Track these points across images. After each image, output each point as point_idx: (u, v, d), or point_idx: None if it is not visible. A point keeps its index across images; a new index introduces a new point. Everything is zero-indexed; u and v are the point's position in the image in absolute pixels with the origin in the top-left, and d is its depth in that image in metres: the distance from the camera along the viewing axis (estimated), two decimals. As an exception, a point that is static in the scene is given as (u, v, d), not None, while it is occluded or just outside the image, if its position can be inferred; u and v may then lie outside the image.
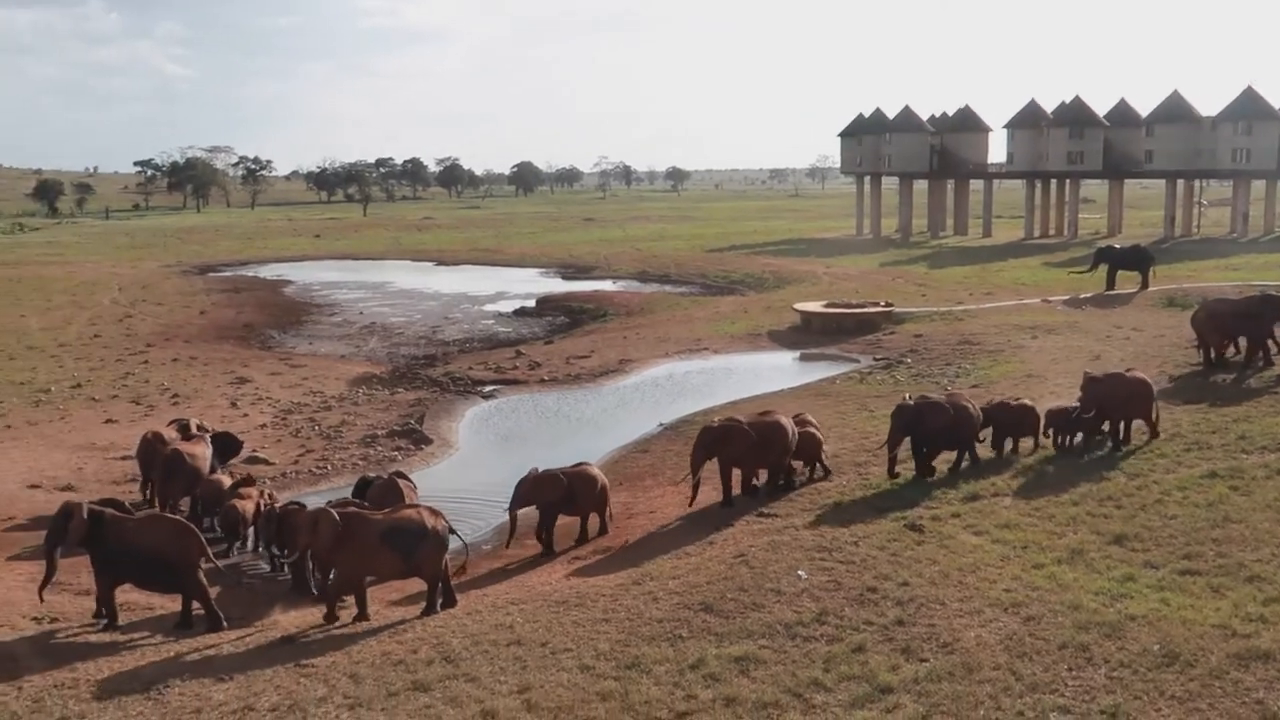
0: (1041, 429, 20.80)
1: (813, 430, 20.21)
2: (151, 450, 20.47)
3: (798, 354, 38.30)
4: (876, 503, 18.06)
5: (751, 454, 19.07)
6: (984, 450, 20.36)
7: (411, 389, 32.98)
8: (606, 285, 63.20)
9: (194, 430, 21.83)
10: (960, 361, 32.88)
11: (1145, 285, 45.75)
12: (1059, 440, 20.64)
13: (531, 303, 55.83)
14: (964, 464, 19.82)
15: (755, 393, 30.37)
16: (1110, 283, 46.17)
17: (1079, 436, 20.68)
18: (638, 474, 22.91)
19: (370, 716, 11.16)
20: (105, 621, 14.40)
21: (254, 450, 24.81)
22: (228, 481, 19.79)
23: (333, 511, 14.65)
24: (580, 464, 18.99)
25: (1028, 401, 21.42)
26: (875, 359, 35.08)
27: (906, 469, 19.63)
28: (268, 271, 76.11)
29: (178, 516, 15.48)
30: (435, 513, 15.02)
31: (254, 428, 27.59)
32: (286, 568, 16.57)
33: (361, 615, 14.42)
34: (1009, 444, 20.70)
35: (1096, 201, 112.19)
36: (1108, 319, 38.92)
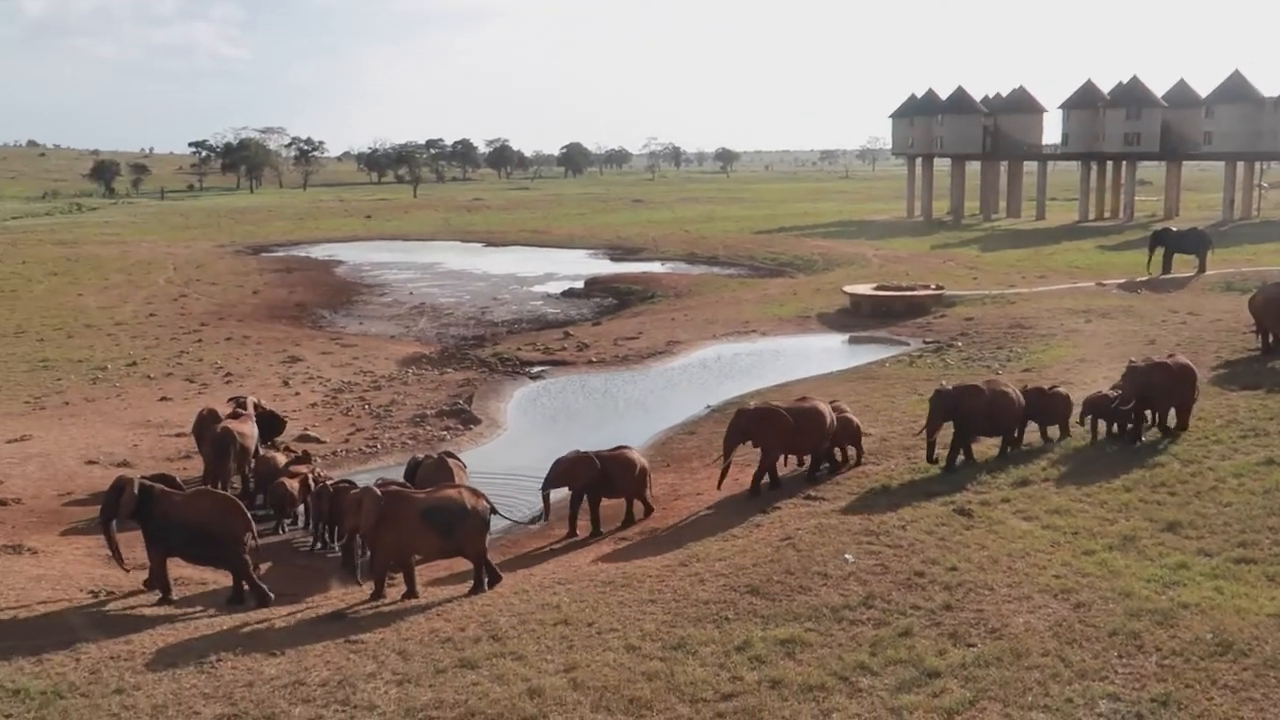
0: (1078, 417, 20.35)
1: (850, 416, 19.99)
2: (204, 426, 20.79)
3: (846, 337, 38.10)
4: (925, 487, 17.93)
5: (787, 439, 18.89)
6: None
7: (460, 369, 33.19)
8: (654, 267, 63.13)
9: (249, 408, 22.12)
10: (1011, 345, 32.54)
11: (1202, 269, 45.01)
12: (1096, 429, 20.13)
13: (580, 284, 55.90)
14: (1008, 450, 19.52)
15: (803, 375, 30.26)
16: (1166, 266, 45.45)
17: (1116, 426, 20.12)
18: (684, 455, 22.91)
19: (418, 693, 11.27)
20: (160, 595, 14.67)
21: (305, 428, 25.11)
22: (282, 459, 20.04)
23: (376, 490, 14.81)
24: (620, 447, 18.90)
25: (1062, 389, 21.02)
26: (925, 342, 34.81)
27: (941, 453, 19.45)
28: (319, 252, 76.80)
29: (225, 493, 15.67)
30: (477, 493, 15.13)
31: (305, 406, 27.92)
32: (336, 545, 16.78)
33: (410, 593, 14.57)
34: (1043, 432, 20.27)
35: (1153, 184, 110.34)
36: (1163, 303, 38.33)
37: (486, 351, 36.37)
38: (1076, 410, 20.47)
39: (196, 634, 13.14)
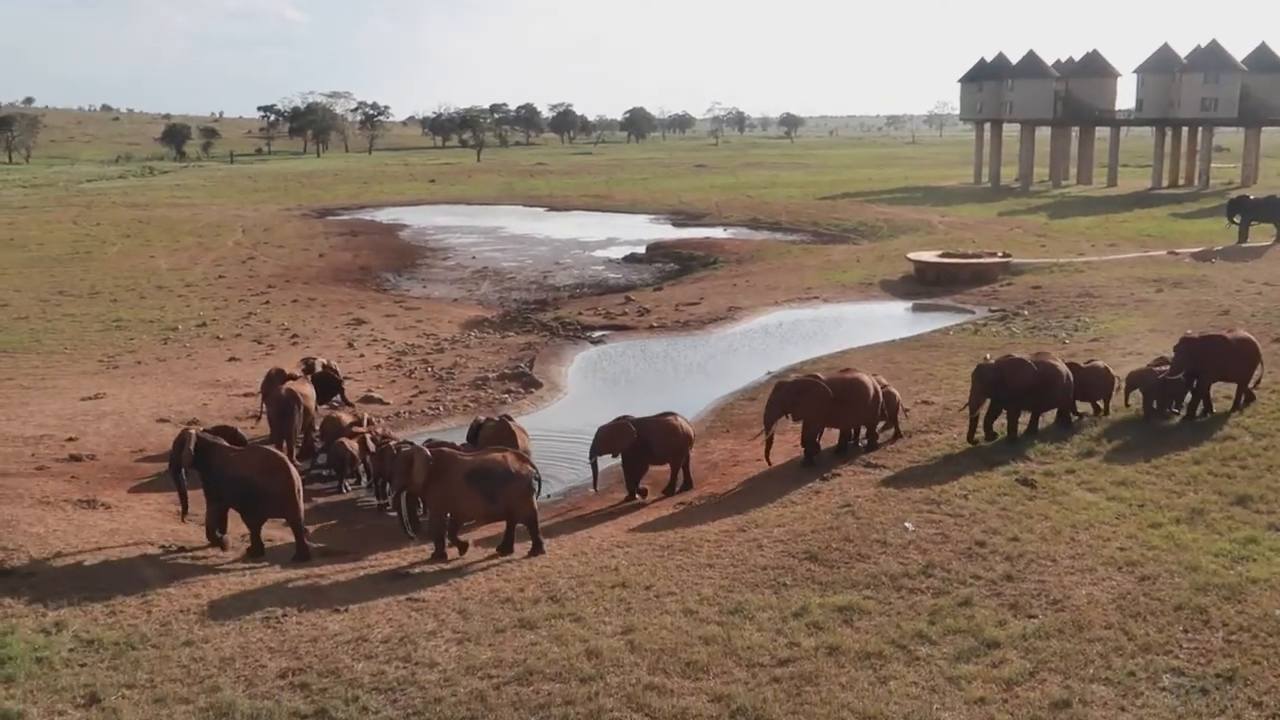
0: (1124, 392, 19.84)
1: (891, 390, 19.49)
2: (271, 387, 21.11)
3: (910, 304, 37.72)
4: (987, 456, 17.74)
5: (828, 412, 18.42)
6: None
7: (522, 333, 33.38)
8: (717, 232, 62.84)
9: (318, 369, 22.44)
10: (1080, 315, 32.02)
11: (1280, 238, 43.90)
12: (1146, 405, 19.44)
13: (641, 249, 55.83)
14: (1060, 425, 18.99)
15: (865, 343, 30.05)
16: (1243, 235, 44.39)
17: (1157, 402, 19.41)
18: (745, 421, 22.87)
19: (478, 651, 11.42)
20: (246, 550, 15.13)
21: (369, 390, 25.43)
22: (347, 419, 20.29)
23: (425, 450, 15.02)
24: (665, 414, 18.72)
25: (1100, 363, 20.41)
26: (990, 310, 34.36)
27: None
28: (384, 215, 77.41)
29: (275, 450, 15.95)
30: (521, 458, 15.23)
31: (369, 368, 28.26)
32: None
33: (438, 555, 14.80)
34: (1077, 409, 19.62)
35: (1230, 150, 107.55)
36: (1238, 273, 37.45)
37: (548, 316, 36.54)
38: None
39: (263, 590, 13.41)
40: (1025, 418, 18.92)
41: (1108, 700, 10.20)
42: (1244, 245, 43.54)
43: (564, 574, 13.68)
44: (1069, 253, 44.79)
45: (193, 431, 15.80)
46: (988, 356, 19.61)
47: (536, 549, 14.84)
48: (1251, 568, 12.84)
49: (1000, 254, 43.11)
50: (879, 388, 18.88)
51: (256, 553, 15.09)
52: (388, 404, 24.49)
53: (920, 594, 12.60)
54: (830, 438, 18.99)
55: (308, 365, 22.66)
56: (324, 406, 22.52)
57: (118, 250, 53.00)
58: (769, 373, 26.95)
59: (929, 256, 43.06)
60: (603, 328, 34.03)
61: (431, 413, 24.05)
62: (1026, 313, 33.14)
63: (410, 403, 24.85)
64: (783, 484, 17.52)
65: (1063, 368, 19.09)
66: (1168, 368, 19.63)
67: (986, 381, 18.62)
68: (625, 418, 18.36)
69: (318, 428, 20.93)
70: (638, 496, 18.19)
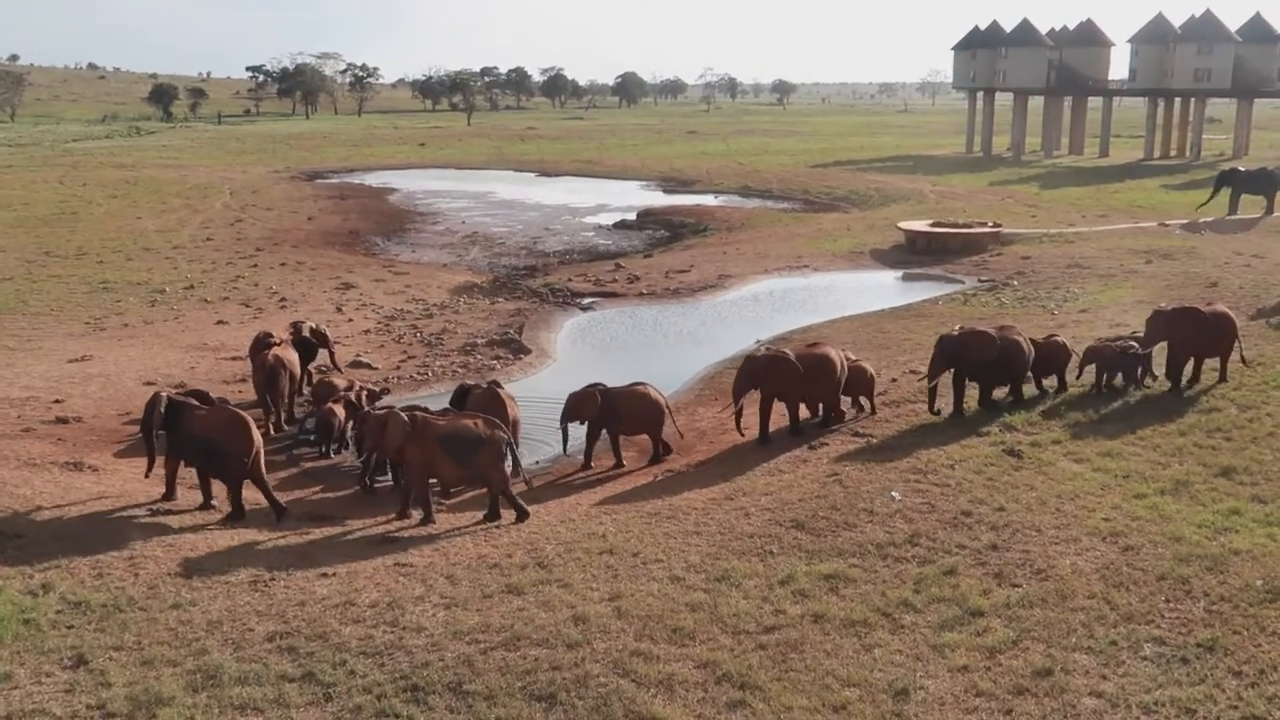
0: (1079, 366, 19.70)
1: (863, 366, 19.33)
2: (255, 350, 21.05)
3: (900, 274, 37.72)
4: (973, 426, 17.81)
5: (797, 387, 18.23)
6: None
7: (511, 299, 33.31)
8: (708, 199, 62.65)
9: (307, 333, 22.37)
10: (1069, 285, 32.08)
11: (1270, 210, 44.00)
12: (1098, 379, 19.29)
13: (632, 215, 55.65)
14: (1009, 400, 18.88)
15: (855, 311, 30.07)
16: (1233, 207, 44.44)
17: (1122, 376, 19.29)
18: (732, 389, 22.85)
19: (465, 616, 11.47)
20: (228, 513, 15.22)
21: (358, 355, 25.38)
22: (342, 383, 20.22)
23: (401, 414, 15.21)
24: (636, 383, 18.57)
25: (1058, 338, 20.13)
26: (980, 280, 34.40)
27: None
28: (373, 179, 76.99)
29: (237, 411, 15.87)
30: (494, 423, 15.26)
31: (358, 333, 28.20)
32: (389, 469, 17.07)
33: (402, 514, 15.09)
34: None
35: (1223, 122, 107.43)
36: (1228, 245, 37.52)
37: (537, 282, 36.45)
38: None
39: (251, 554, 13.44)
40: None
41: (1089, 669, 10.30)
42: (1234, 217, 43.58)
43: (551, 540, 13.73)
44: (1059, 223, 44.82)
45: (164, 393, 16.00)
46: (957, 329, 19.44)
47: (492, 515, 14.93)
48: (1234, 539, 12.95)
49: (991, 224, 43.10)
50: (845, 363, 18.67)
51: (237, 515, 15.12)
52: (376, 369, 24.45)
53: (906, 563, 12.69)
54: (781, 418, 18.84)
55: (296, 329, 22.59)
56: (315, 370, 22.53)
57: (104, 211, 52.64)
58: (759, 341, 26.94)
59: (919, 226, 43.01)
60: (592, 294, 33.97)
61: (420, 378, 24.02)
62: (1016, 283, 33.18)
63: (399, 368, 24.81)
64: (770, 452, 17.58)
65: (1025, 342, 18.97)
66: (1125, 342, 19.55)
67: (949, 353, 18.53)
68: (595, 385, 18.30)
69: (308, 392, 20.87)
70: (592, 465, 18.11)
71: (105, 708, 9.79)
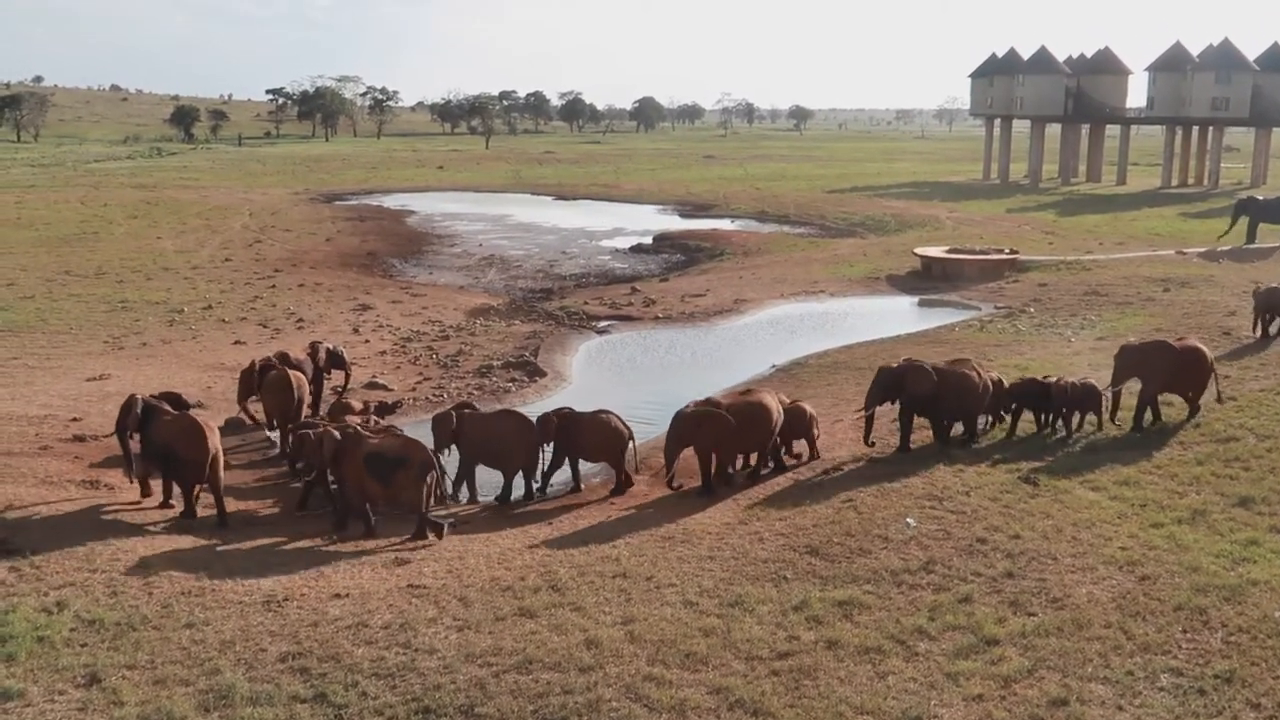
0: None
1: (803, 407, 18.45)
2: (265, 372, 21.04)
3: (916, 299, 37.70)
4: (989, 453, 17.76)
5: (731, 440, 17.15)
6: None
7: (527, 321, 33.37)
8: (724, 224, 62.73)
9: (322, 355, 22.43)
10: (1086, 313, 31.99)
11: (1288, 239, 43.78)
12: (1043, 419, 18.84)
13: (648, 239, 55.75)
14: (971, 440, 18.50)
15: (870, 337, 30.02)
16: (1251, 235, 44.28)
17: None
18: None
19: (477, 639, 11.45)
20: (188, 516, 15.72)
21: (374, 376, 25.45)
22: (358, 406, 20.21)
23: (334, 431, 15.76)
24: (599, 411, 18.22)
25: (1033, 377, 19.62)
26: (996, 307, 34.32)
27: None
28: (391, 201, 77.34)
29: (198, 420, 16.35)
30: (420, 446, 15.46)
31: (374, 354, 28.28)
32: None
33: (339, 526, 15.49)
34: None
35: (1241, 150, 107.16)
36: (1246, 273, 37.36)
37: (554, 305, 36.52)
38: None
39: (265, 574, 13.45)
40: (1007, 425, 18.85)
41: (1106, 699, 10.22)
42: (1252, 246, 43.43)
43: (565, 563, 13.71)
44: (1076, 250, 44.71)
45: (139, 397, 16.82)
46: (910, 360, 18.94)
47: (417, 535, 15.07)
48: (1252, 569, 12.85)
49: (1007, 250, 43.06)
50: (781, 408, 17.78)
51: (187, 515, 15.86)
52: (392, 390, 24.49)
53: (920, 590, 12.62)
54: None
55: (314, 350, 22.66)
56: (333, 391, 22.60)
57: (124, 231, 53.00)
58: (774, 366, 26.96)
59: (936, 252, 43.00)
60: (608, 318, 34.02)
61: (436, 400, 24.05)
62: (1032, 309, 33.10)
63: (414, 389, 24.86)
64: (785, 477, 17.53)
65: (978, 378, 18.41)
66: (1085, 380, 19.19)
67: (885, 385, 18.28)
68: (562, 409, 18.26)
69: (324, 414, 20.92)
70: (536, 492, 17.78)
71: (117, 726, 9.80)
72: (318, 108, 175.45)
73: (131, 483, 16.77)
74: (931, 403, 18.28)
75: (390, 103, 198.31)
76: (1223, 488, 15.78)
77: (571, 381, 26.73)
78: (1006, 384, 19.13)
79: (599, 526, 15.73)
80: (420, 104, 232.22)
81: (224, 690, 10.37)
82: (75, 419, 20.93)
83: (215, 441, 16.08)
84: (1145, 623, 11.64)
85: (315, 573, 13.55)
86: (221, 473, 16.14)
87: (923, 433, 18.92)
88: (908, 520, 14.65)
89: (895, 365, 18.65)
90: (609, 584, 12.93)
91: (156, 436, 16.10)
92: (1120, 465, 16.89)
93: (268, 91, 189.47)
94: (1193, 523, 14.48)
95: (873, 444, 18.36)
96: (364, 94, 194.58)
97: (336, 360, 22.90)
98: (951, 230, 53.38)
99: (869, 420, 18.39)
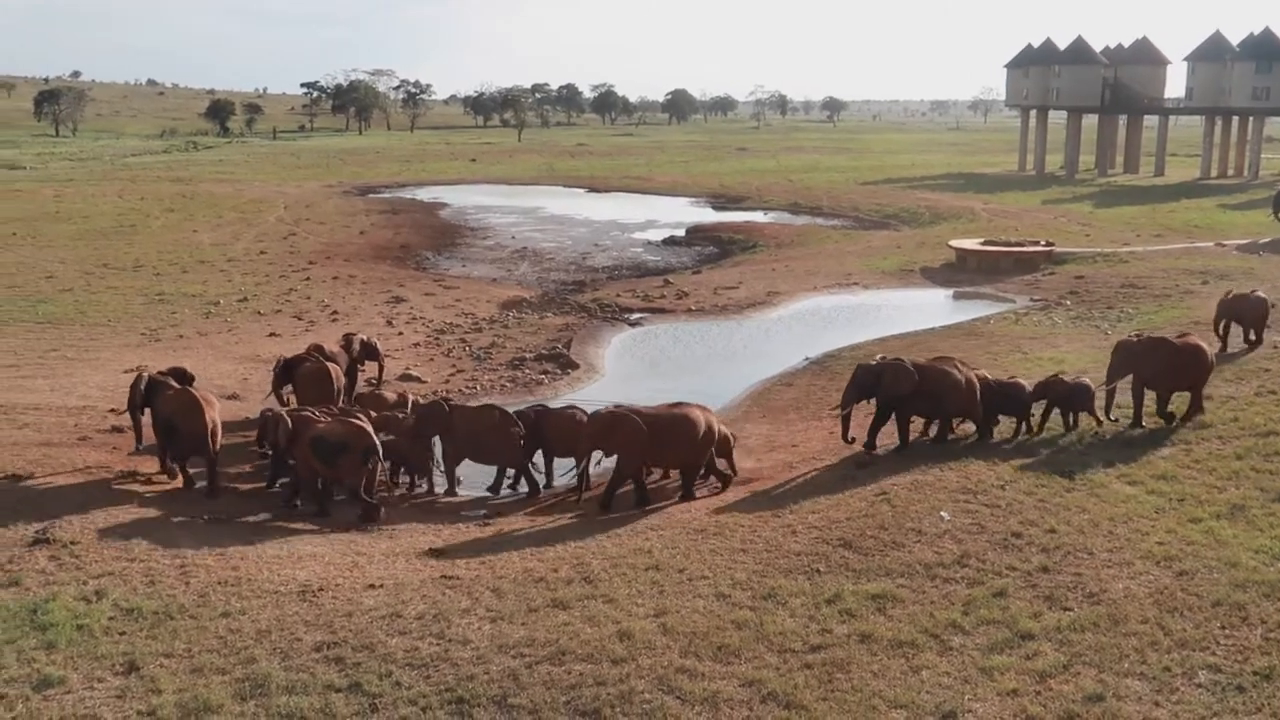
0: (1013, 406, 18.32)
1: (726, 433, 17.47)
2: (297, 364, 21.19)
3: (951, 292, 37.44)
4: (1025, 447, 17.61)
5: (641, 449, 16.31)
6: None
7: (560, 314, 33.43)
8: (757, 216, 62.57)
9: (356, 347, 22.59)
10: (1123, 305, 31.68)
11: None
12: (1026, 419, 18.12)
13: (681, 232, 55.70)
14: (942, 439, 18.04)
15: (904, 330, 29.87)
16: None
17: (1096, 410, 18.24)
18: (781, 407, 22.82)
19: (511, 630, 11.50)
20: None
21: (407, 368, 25.58)
22: (392, 397, 20.34)
23: (285, 414, 16.64)
24: (567, 408, 18.37)
25: (1020, 380, 18.93)
26: (1032, 300, 34.04)
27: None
28: (424, 194, 77.63)
29: (198, 394, 17.29)
30: (364, 432, 15.89)
31: (408, 346, 28.42)
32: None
33: (321, 511, 16.07)
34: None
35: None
36: (1286, 266, 36.88)
37: (586, 297, 36.56)
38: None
39: (300, 564, 13.55)
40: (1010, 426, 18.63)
41: (1142, 695, 10.13)
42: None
43: (597, 555, 13.73)
44: (1113, 242, 44.29)
45: (145, 373, 18.14)
46: (882, 358, 18.60)
47: (365, 517, 15.70)
48: (1293, 565, 12.68)
49: (1043, 243, 42.68)
50: (714, 424, 16.78)
51: (186, 485, 16.79)
52: (425, 382, 24.62)
53: (954, 584, 12.55)
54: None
55: (347, 342, 22.80)
56: (367, 383, 22.74)
57: (161, 224, 53.49)
58: (807, 358, 26.86)
59: (971, 244, 42.70)
60: (640, 310, 34.01)
61: (469, 392, 24.15)
62: (1069, 303, 32.82)
63: (448, 381, 24.97)
64: (818, 470, 17.47)
65: (959, 377, 17.82)
66: (1078, 377, 18.71)
67: (861, 383, 17.90)
68: (536, 406, 18.41)
69: (357, 404, 21.03)
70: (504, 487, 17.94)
71: (155, 714, 9.91)
72: (351, 101, 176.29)
73: (136, 451, 18.12)
74: (910, 401, 17.78)
75: (423, 96, 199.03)
76: (1262, 482, 15.57)
77: (604, 374, 26.76)
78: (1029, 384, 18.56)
79: (631, 518, 15.74)
80: (453, 97, 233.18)
81: (260, 679, 10.46)
82: (113, 410, 21.13)
83: (214, 415, 16.98)
84: (1183, 618, 11.52)
85: (350, 563, 13.65)
86: (218, 445, 16.94)
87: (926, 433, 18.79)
88: (942, 514, 14.57)
89: (872, 363, 18.24)
90: (641, 576, 12.94)
91: (161, 410, 17.21)
92: (1158, 459, 16.72)
93: (302, 85, 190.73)
94: (1231, 518, 14.30)
95: (852, 440, 17.97)
96: (397, 87, 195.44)
97: (370, 352, 23.06)
98: (986, 222, 52.97)
99: (845, 418, 17.97)
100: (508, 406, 19.21)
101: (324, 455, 15.80)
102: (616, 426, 16.30)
